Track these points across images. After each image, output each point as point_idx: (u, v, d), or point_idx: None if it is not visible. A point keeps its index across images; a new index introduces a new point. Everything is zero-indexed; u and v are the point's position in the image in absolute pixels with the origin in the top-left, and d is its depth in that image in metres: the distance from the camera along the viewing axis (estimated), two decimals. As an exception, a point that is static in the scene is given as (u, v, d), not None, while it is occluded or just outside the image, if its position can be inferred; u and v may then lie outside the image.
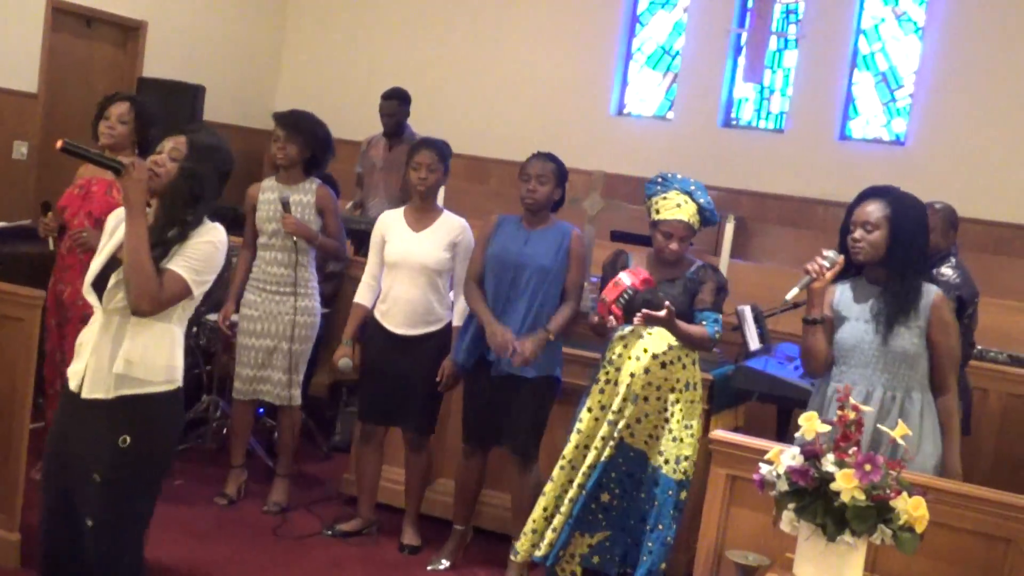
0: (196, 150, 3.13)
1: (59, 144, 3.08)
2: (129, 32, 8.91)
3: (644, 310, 3.96)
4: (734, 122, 9.47)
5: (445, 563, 4.73)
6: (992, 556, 3.15)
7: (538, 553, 4.18)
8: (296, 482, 5.43)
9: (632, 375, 4.14)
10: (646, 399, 4.16)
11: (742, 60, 9.22)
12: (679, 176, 4.26)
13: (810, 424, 3.04)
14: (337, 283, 6.30)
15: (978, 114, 8.44)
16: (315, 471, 5.79)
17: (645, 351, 4.16)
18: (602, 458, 4.13)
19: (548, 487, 4.23)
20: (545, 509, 4.21)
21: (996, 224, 8.33)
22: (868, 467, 2.90)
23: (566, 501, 4.16)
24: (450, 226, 4.76)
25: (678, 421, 4.16)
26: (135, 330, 3.05)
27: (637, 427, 4.17)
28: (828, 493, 2.94)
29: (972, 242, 8.18)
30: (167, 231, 3.08)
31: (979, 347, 5.66)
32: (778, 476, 3.05)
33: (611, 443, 4.13)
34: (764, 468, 3.11)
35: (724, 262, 5.09)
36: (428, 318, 4.72)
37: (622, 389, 4.15)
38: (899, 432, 3.09)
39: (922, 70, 8.75)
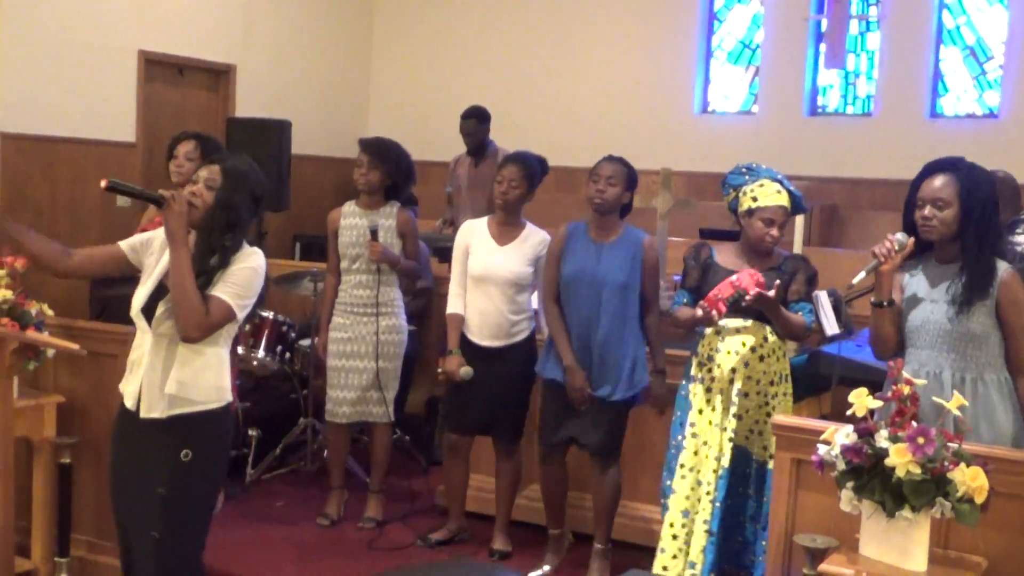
0: (229, 178, 3.22)
1: (104, 184, 3.22)
2: (220, 76, 9.25)
3: (756, 289, 3.90)
4: (820, 110, 9.35)
5: (547, 568, 4.74)
6: (1068, 525, 3.07)
7: (673, 571, 4.10)
8: (394, 496, 5.55)
9: (733, 370, 4.11)
10: (746, 394, 4.13)
11: (823, 47, 9.10)
12: (763, 167, 4.23)
13: (860, 401, 3.02)
14: (425, 300, 6.43)
15: (1074, 79, 8.19)
16: (413, 485, 5.91)
17: (744, 344, 4.12)
18: (725, 463, 4.09)
19: (672, 500, 4.15)
20: (672, 525, 4.13)
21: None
22: (921, 440, 2.87)
23: (699, 522, 4.08)
24: (534, 240, 4.79)
25: (780, 414, 4.14)
26: (184, 354, 3.18)
27: (739, 424, 4.14)
28: (884, 469, 2.92)
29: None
30: (208, 259, 3.18)
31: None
32: (836, 456, 3.04)
33: (729, 446, 4.09)
34: (822, 449, 3.10)
35: (798, 248, 5.05)
36: (511, 331, 4.78)
37: (724, 386, 4.12)
38: (954, 404, 3.05)
39: (1011, 40, 8.52)
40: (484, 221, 4.93)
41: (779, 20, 9.29)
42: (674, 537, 4.10)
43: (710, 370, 4.16)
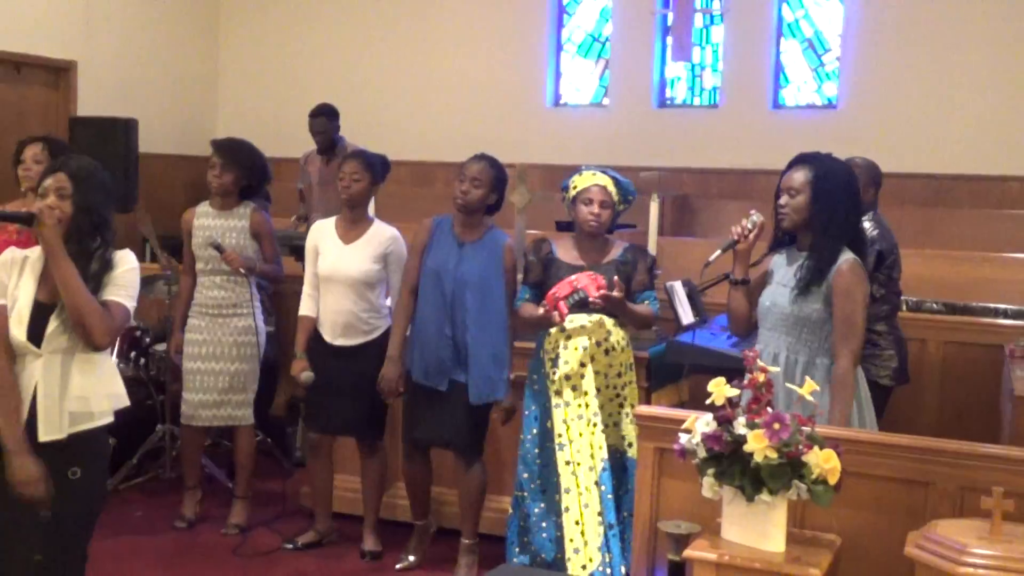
0: (79, 181, 3.16)
1: None
2: (60, 73, 8.93)
3: (602, 291, 4.01)
4: (669, 102, 9.56)
5: (412, 559, 4.80)
6: (914, 500, 3.23)
7: (590, 569, 4.11)
8: (257, 500, 5.47)
9: (582, 364, 4.20)
10: (598, 390, 4.22)
11: (670, 40, 9.30)
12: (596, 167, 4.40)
13: (719, 390, 3.12)
14: (275, 299, 6.36)
15: (907, 69, 8.55)
16: (276, 488, 5.82)
17: (589, 339, 4.22)
18: (604, 457, 4.16)
19: (570, 498, 4.16)
20: (577, 523, 4.15)
21: (934, 176, 8.46)
22: (777, 426, 2.99)
23: (594, 514, 4.12)
24: (380, 237, 4.81)
25: (631, 404, 4.27)
26: (80, 367, 3.12)
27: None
28: (743, 455, 3.03)
29: (913, 196, 8.32)
30: (88, 267, 3.12)
31: (914, 298, 5.76)
32: (696, 444, 3.13)
33: (602, 440, 4.17)
34: (683, 437, 3.19)
35: (652, 240, 5.17)
36: (363, 328, 4.78)
37: (576, 382, 4.20)
38: (807, 389, 3.18)
39: (846, 32, 8.85)
40: (332, 221, 4.94)
41: (627, 13, 9.46)
42: (582, 533, 4.12)
43: (557, 368, 4.25)
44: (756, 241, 3.78)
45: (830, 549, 3.17)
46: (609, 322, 4.23)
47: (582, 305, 4.13)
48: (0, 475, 3.16)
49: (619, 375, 4.28)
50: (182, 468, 5.42)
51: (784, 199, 3.68)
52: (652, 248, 5.18)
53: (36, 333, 3.10)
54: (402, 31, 10.07)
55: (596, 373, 4.22)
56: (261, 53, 10.55)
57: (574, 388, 4.21)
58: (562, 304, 4.09)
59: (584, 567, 4.10)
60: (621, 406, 4.27)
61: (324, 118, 7.41)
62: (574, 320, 4.20)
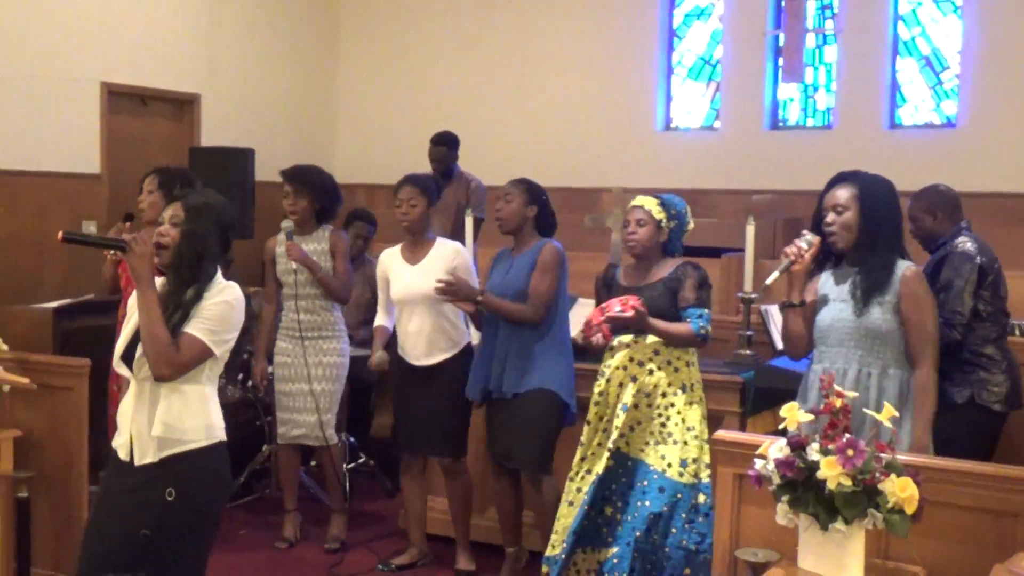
0: (191, 211, 3.27)
1: (60, 236, 3.31)
2: (184, 105, 9.26)
3: (609, 314, 4.04)
4: (781, 124, 9.41)
5: None
6: (1002, 532, 3.09)
7: (549, 553, 4.27)
8: (358, 521, 5.57)
9: (621, 384, 4.24)
10: (636, 406, 4.22)
11: (782, 61, 9.17)
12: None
13: (792, 415, 3.06)
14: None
15: (1029, 86, 8.27)
16: (377, 509, 5.92)
17: (631, 359, 4.23)
18: (599, 469, 4.19)
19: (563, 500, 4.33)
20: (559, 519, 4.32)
21: (1057, 197, 8.14)
22: (851, 452, 2.92)
23: (564, 506, 4.28)
24: (444, 252, 4.91)
25: (677, 424, 4.20)
26: (166, 394, 3.18)
27: (631, 435, 4.23)
28: (817, 482, 2.96)
29: (1034, 217, 8.03)
30: (182, 294, 3.22)
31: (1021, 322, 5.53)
32: (771, 470, 3.08)
33: (606, 454, 4.20)
34: (758, 463, 3.14)
35: (749, 262, 5.10)
36: (443, 345, 4.86)
37: (612, 400, 4.25)
38: (885, 415, 3.09)
39: (966, 49, 8.60)
40: (397, 248, 5.06)
41: (738, 35, 9.37)
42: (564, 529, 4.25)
43: (600, 385, 4.30)
44: (812, 261, 3.75)
45: (912, 581, 3.07)
46: (656, 342, 4.21)
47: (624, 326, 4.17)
48: (105, 501, 3.28)
49: (663, 395, 4.22)
50: (282, 490, 5.54)
51: (831, 217, 3.69)
52: (748, 271, 5.11)
53: (129, 358, 3.22)
54: (513, 58, 10.16)
55: (638, 391, 4.22)
56: (377, 83, 10.77)
57: (596, 404, 4.28)
58: (589, 328, 4.12)
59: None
60: (663, 426, 4.21)
61: (445, 148, 7.54)
62: (621, 338, 4.25)
